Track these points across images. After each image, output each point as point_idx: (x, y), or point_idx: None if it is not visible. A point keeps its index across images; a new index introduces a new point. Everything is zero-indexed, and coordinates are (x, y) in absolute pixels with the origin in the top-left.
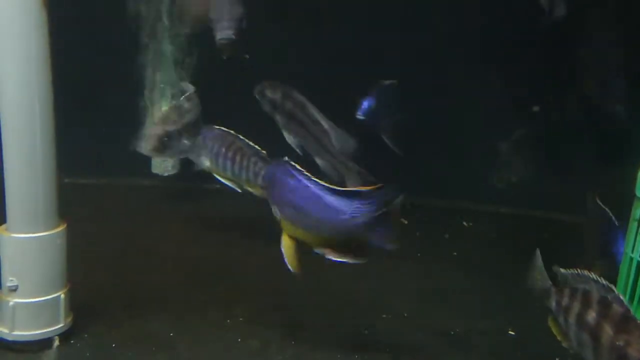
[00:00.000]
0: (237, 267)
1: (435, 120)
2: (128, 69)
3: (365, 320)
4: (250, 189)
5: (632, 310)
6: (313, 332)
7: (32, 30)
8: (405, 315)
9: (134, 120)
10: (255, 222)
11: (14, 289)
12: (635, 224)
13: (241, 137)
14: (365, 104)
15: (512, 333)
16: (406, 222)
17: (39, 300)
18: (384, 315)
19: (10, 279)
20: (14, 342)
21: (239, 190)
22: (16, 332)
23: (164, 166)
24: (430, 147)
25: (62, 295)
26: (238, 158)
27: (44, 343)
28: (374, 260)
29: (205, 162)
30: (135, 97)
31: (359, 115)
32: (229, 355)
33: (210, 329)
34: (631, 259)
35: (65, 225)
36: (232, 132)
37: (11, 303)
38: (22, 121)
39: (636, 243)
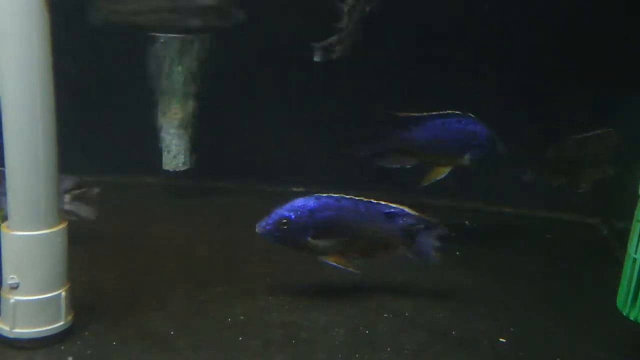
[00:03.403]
0: (239, 266)
1: None
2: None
3: (366, 320)
4: None
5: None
6: (314, 332)
7: (33, 31)
8: (406, 314)
9: (143, 118)
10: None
11: (15, 287)
12: (639, 224)
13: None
14: None
15: (503, 340)
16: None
17: (40, 298)
18: (385, 315)
19: (12, 276)
20: (15, 340)
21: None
22: (17, 330)
23: (175, 163)
24: None
25: (63, 293)
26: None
27: (45, 340)
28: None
29: None
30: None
31: None
32: (229, 354)
33: (211, 328)
34: (634, 259)
35: (66, 223)
36: None
37: (12, 300)
38: (24, 120)
39: (639, 244)
